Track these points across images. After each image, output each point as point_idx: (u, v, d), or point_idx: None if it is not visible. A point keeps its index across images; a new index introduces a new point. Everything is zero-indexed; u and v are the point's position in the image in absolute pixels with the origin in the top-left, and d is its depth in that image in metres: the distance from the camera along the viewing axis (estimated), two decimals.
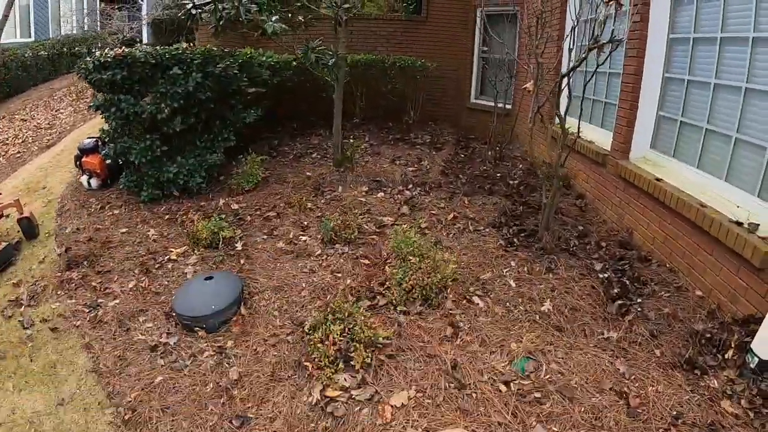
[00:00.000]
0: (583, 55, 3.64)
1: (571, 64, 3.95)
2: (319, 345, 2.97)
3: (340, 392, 2.83)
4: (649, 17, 4.35)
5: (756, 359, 2.88)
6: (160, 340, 3.47)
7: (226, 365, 3.20)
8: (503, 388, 2.88)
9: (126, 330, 3.65)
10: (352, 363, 2.95)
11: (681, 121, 4.26)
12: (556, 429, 2.64)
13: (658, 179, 4.20)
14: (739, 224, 3.33)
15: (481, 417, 2.70)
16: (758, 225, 3.25)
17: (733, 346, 3.05)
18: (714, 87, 3.84)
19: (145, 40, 14.66)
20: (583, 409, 2.74)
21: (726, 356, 3.04)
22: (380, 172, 6.76)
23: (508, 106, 8.42)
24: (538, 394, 2.83)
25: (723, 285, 3.41)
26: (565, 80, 4.21)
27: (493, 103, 8.23)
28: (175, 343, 3.44)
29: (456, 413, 2.72)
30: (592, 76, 4.25)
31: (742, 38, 3.54)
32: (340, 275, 4.09)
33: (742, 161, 3.60)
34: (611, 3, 3.66)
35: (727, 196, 3.66)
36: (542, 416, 2.70)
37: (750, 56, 3.44)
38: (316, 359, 2.97)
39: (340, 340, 2.97)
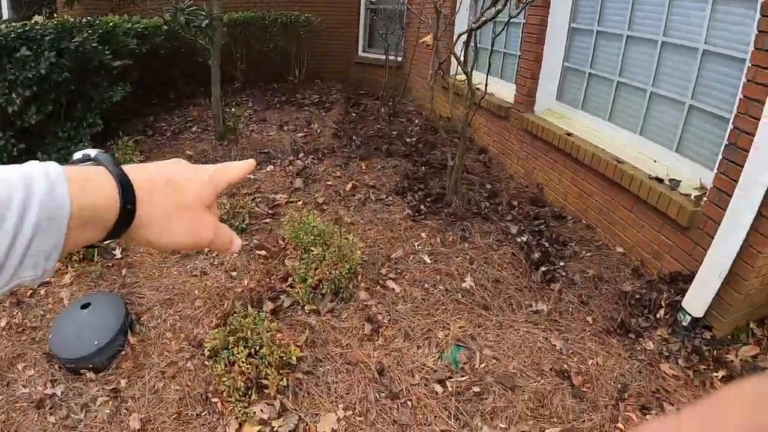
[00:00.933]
0: (499, 7, 3.31)
1: (480, 16, 3.62)
2: (224, 378, 2.50)
3: (260, 427, 2.39)
4: None
5: (688, 317, 2.84)
6: (46, 391, 2.77)
7: (125, 411, 2.62)
8: (439, 388, 2.59)
9: (6, 384, 2.91)
10: (266, 390, 2.53)
11: (590, 73, 4.12)
12: (503, 425, 2.40)
13: (568, 134, 4.05)
14: (660, 181, 3.23)
15: (422, 428, 2.40)
16: (680, 181, 3.17)
17: (663, 305, 2.99)
18: (626, 39, 3.69)
19: (4, 15, 12.57)
20: (527, 398, 2.53)
21: (657, 316, 2.98)
22: (267, 142, 6.17)
23: (399, 59, 8.06)
24: (477, 389, 2.57)
25: (646, 242, 3.33)
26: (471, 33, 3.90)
27: (383, 56, 7.80)
28: (62, 393, 2.76)
29: (394, 428, 2.41)
30: (504, 28, 3.96)
31: None
32: (235, 274, 3.55)
33: (659, 116, 3.50)
34: None
35: (643, 149, 3.57)
36: (486, 414, 2.45)
37: (668, 9, 3.29)
38: (224, 393, 2.51)
39: (248, 368, 2.51)
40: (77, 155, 0.50)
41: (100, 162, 0.49)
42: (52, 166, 0.43)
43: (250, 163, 0.63)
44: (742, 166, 2.62)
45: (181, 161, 0.58)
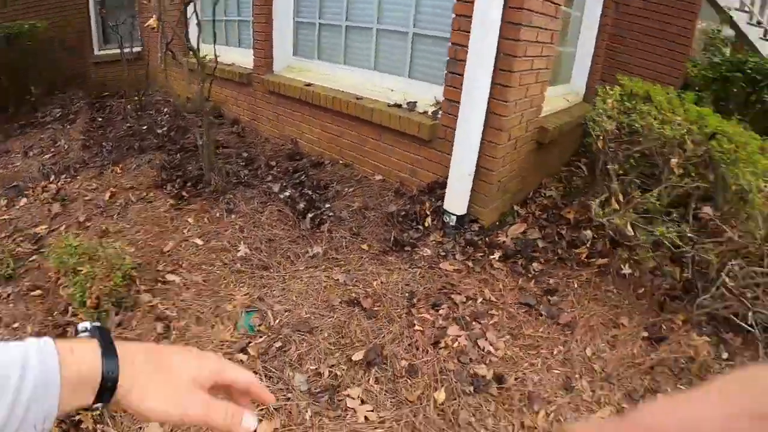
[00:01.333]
0: None
1: None
2: None
3: None
4: None
5: (453, 217, 3.08)
6: None
7: None
8: (243, 357, 2.43)
9: None
10: (83, 426, 2.16)
11: (320, 24, 4.21)
12: (313, 367, 2.36)
13: (308, 84, 4.10)
14: (399, 106, 3.43)
15: None
16: (416, 102, 3.39)
17: (428, 213, 3.21)
18: None
19: None
20: (326, 335, 2.51)
21: (426, 224, 3.19)
22: (14, 174, 5.22)
23: (137, 49, 7.42)
24: (278, 344, 2.48)
25: (399, 164, 3.53)
26: (191, 7, 3.70)
27: (119, 51, 7.09)
28: None
29: None
30: None
31: None
32: (17, 326, 2.97)
33: (388, 49, 3.73)
34: None
35: (380, 83, 3.76)
36: (294, 363, 2.37)
37: None
38: None
39: None
40: (81, 327, 0.55)
41: (93, 333, 0.53)
42: (45, 341, 0.49)
43: (268, 398, 0.65)
44: (463, 75, 2.88)
45: (193, 349, 0.60)
